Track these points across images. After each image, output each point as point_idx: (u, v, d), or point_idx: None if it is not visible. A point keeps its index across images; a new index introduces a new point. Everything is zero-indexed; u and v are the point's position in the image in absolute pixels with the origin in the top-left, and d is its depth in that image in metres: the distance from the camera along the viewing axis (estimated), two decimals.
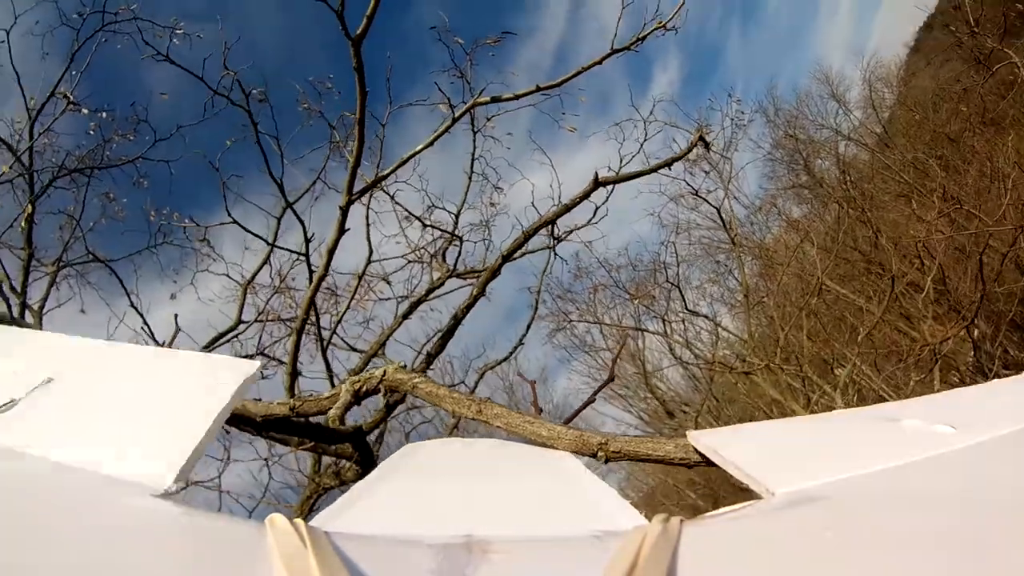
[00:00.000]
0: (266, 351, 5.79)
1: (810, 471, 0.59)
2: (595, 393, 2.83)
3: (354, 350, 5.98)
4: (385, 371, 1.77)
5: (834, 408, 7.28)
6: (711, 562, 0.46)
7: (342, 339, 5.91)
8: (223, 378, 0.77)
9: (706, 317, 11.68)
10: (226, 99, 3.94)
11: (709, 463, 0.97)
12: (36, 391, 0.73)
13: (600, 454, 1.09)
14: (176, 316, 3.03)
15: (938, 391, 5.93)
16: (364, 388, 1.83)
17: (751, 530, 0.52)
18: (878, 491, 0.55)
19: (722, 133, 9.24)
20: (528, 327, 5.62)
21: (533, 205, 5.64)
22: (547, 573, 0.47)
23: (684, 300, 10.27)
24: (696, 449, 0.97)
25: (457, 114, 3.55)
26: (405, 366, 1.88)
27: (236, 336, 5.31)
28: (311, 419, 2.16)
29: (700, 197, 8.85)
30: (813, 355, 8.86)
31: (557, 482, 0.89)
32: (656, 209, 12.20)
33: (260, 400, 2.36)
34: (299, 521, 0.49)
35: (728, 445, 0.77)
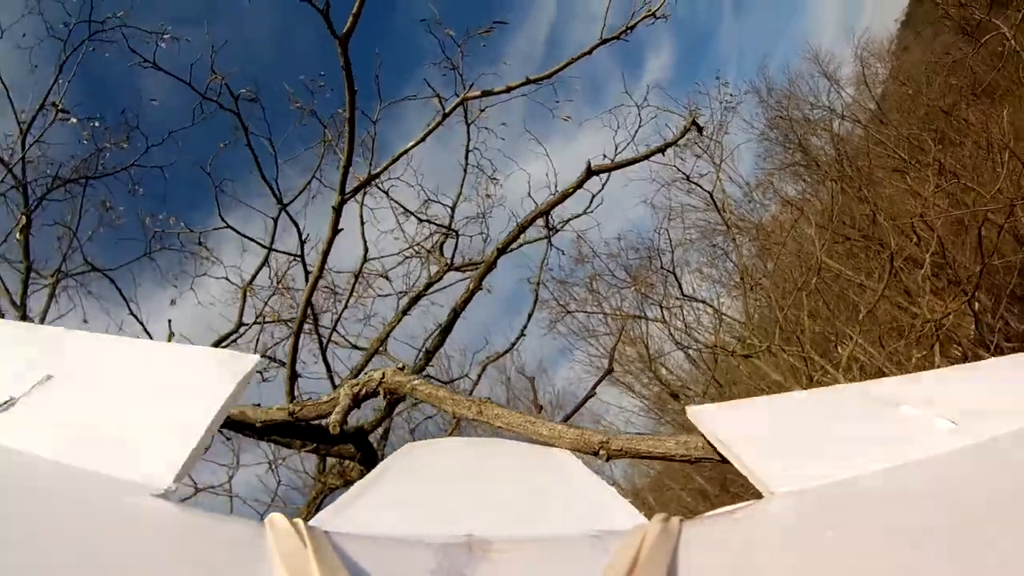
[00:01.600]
0: (268, 352, 5.79)
1: (811, 470, 0.59)
2: (595, 386, 2.84)
3: (355, 347, 5.98)
4: (384, 373, 1.77)
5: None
6: (711, 562, 0.46)
7: (343, 337, 5.91)
8: (221, 374, 0.77)
9: (703, 302, 11.68)
10: (216, 103, 3.93)
11: (710, 460, 0.97)
12: (35, 389, 0.73)
13: (601, 452, 1.09)
14: (170, 321, 3.03)
15: (939, 366, 5.93)
16: (363, 391, 1.83)
17: (751, 530, 0.52)
18: (877, 492, 0.55)
19: (712, 116, 9.23)
20: (529, 318, 5.61)
21: (530, 195, 5.61)
22: (547, 573, 0.48)
23: (680, 286, 10.26)
24: (697, 446, 0.97)
25: (447, 109, 3.54)
26: (404, 367, 1.88)
27: (236, 339, 5.30)
28: (312, 423, 2.16)
29: (692, 182, 8.83)
30: (814, 334, 8.86)
31: (557, 481, 0.89)
32: (649, 196, 12.20)
33: (259, 405, 2.37)
34: (299, 521, 0.50)
35: (729, 429, 0.77)
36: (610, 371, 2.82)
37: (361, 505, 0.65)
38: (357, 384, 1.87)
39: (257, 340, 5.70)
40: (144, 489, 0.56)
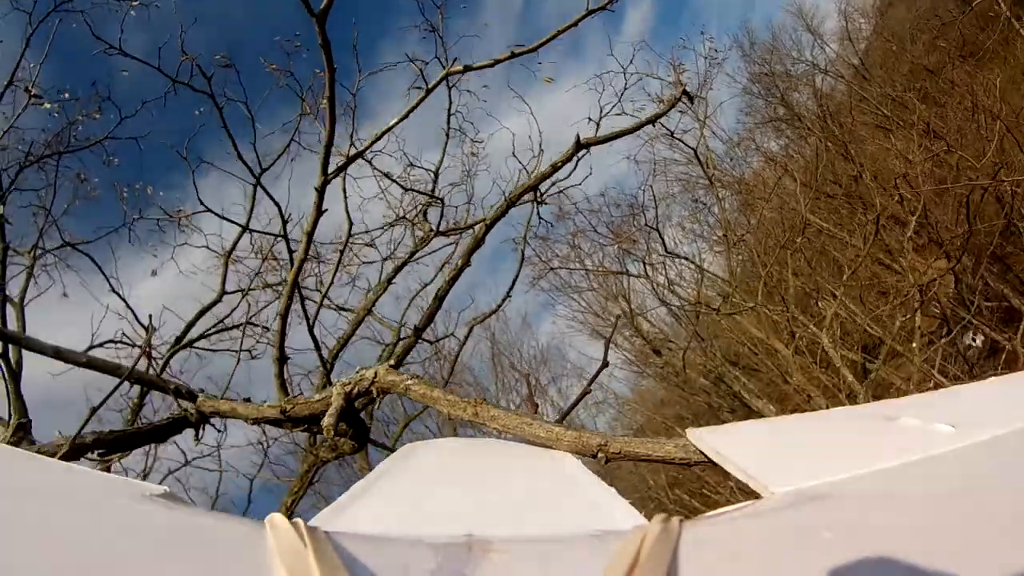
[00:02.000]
0: (252, 318, 5.76)
1: (810, 471, 0.59)
2: (591, 381, 2.84)
3: (342, 310, 5.97)
4: (376, 372, 1.76)
5: (818, 343, 7.45)
6: (711, 562, 0.47)
7: (330, 301, 5.89)
8: None
9: (686, 258, 11.74)
10: (187, 86, 3.83)
11: (710, 462, 0.98)
12: None
13: (600, 455, 1.09)
14: (151, 316, 3.02)
15: (920, 326, 6.02)
16: (355, 391, 1.82)
17: (751, 530, 0.53)
18: (877, 491, 0.55)
19: (696, 71, 9.16)
20: (514, 280, 5.60)
21: (514, 155, 5.58)
22: (547, 573, 0.48)
23: (663, 243, 10.28)
24: (696, 448, 0.98)
25: (431, 85, 3.47)
26: (397, 364, 1.87)
27: (224, 321, 5.26)
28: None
29: (676, 139, 8.78)
30: (797, 290, 8.94)
31: (557, 482, 0.90)
32: (632, 152, 12.15)
33: (249, 400, 2.36)
34: (299, 521, 0.50)
35: (729, 444, 0.78)
36: (605, 364, 2.82)
37: (361, 505, 0.65)
38: (349, 383, 1.86)
39: (249, 309, 5.67)
40: (144, 490, 0.56)
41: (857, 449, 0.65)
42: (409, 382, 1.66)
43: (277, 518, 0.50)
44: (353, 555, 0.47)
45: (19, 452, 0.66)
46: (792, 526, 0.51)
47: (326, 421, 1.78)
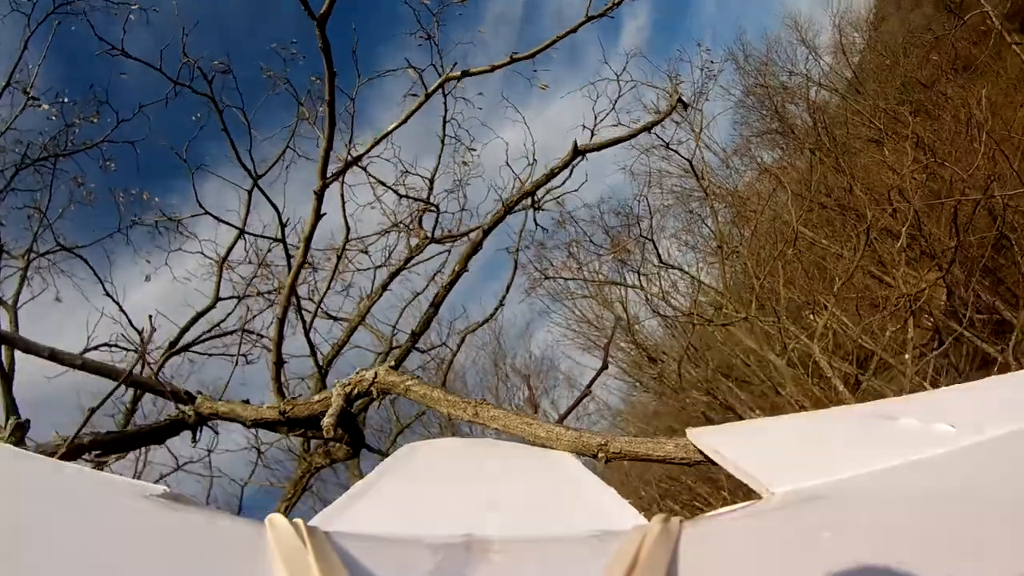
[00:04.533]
0: (247, 325, 5.74)
1: (810, 471, 0.59)
2: (590, 384, 2.84)
3: (335, 319, 5.96)
4: (376, 373, 1.76)
5: (811, 355, 7.47)
6: (711, 562, 0.47)
7: (324, 311, 5.88)
8: None
9: (681, 269, 11.77)
10: (188, 88, 3.83)
11: (710, 462, 0.98)
12: None
13: (600, 455, 1.09)
14: (151, 317, 3.01)
15: (912, 338, 6.05)
16: (355, 391, 1.82)
17: (750, 530, 0.53)
18: (877, 491, 0.55)
19: (692, 83, 9.21)
20: (508, 288, 5.59)
21: (508, 164, 5.61)
22: (547, 573, 0.48)
23: (658, 253, 10.29)
24: (696, 448, 0.98)
25: (429, 90, 3.49)
26: (396, 366, 1.87)
27: (221, 326, 5.24)
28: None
29: (672, 150, 8.83)
30: (789, 302, 8.97)
31: (557, 482, 0.90)
32: (628, 163, 12.18)
33: (248, 402, 2.35)
34: (299, 521, 0.50)
35: (728, 444, 0.78)
36: (605, 367, 2.81)
37: (361, 505, 0.65)
38: (349, 384, 1.86)
39: (245, 315, 5.65)
40: (144, 489, 0.56)
41: (857, 449, 0.65)
42: (409, 383, 1.66)
43: (277, 518, 0.50)
44: (353, 555, 0.47)
45: (18, 451, 0.66)
46: (792, 526, 0.52)
47: (326, 421, 1.78)
